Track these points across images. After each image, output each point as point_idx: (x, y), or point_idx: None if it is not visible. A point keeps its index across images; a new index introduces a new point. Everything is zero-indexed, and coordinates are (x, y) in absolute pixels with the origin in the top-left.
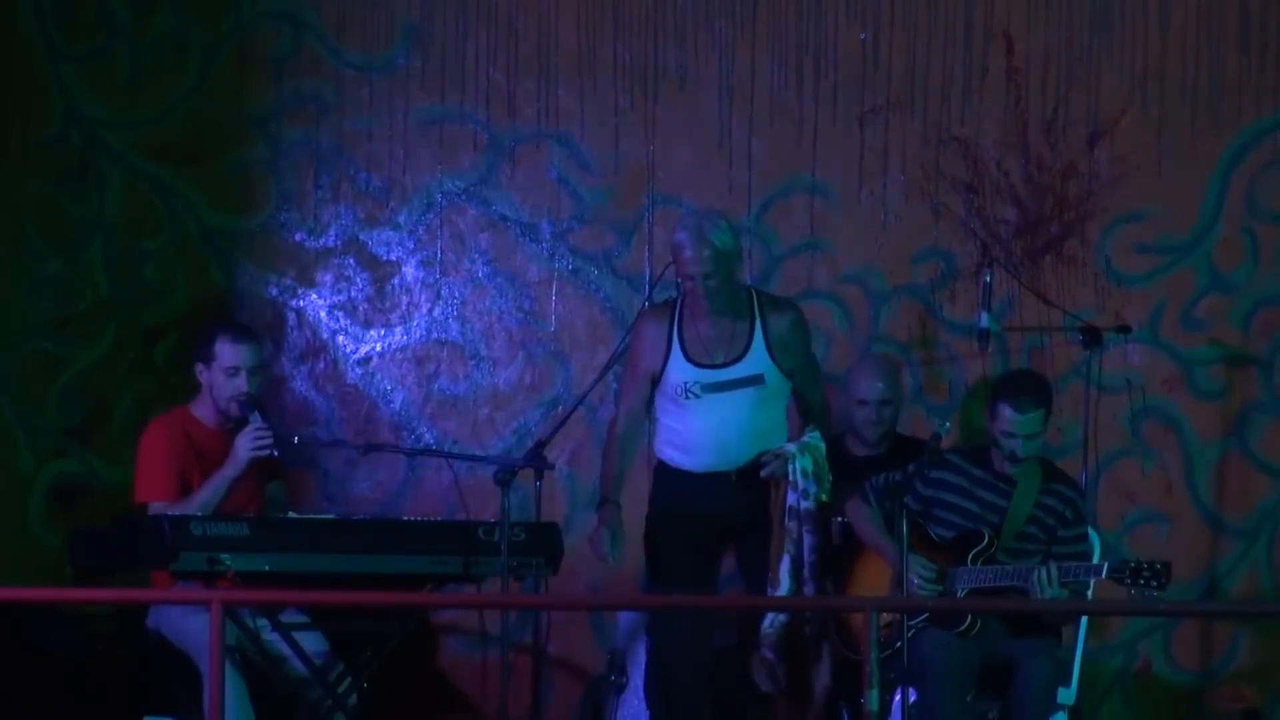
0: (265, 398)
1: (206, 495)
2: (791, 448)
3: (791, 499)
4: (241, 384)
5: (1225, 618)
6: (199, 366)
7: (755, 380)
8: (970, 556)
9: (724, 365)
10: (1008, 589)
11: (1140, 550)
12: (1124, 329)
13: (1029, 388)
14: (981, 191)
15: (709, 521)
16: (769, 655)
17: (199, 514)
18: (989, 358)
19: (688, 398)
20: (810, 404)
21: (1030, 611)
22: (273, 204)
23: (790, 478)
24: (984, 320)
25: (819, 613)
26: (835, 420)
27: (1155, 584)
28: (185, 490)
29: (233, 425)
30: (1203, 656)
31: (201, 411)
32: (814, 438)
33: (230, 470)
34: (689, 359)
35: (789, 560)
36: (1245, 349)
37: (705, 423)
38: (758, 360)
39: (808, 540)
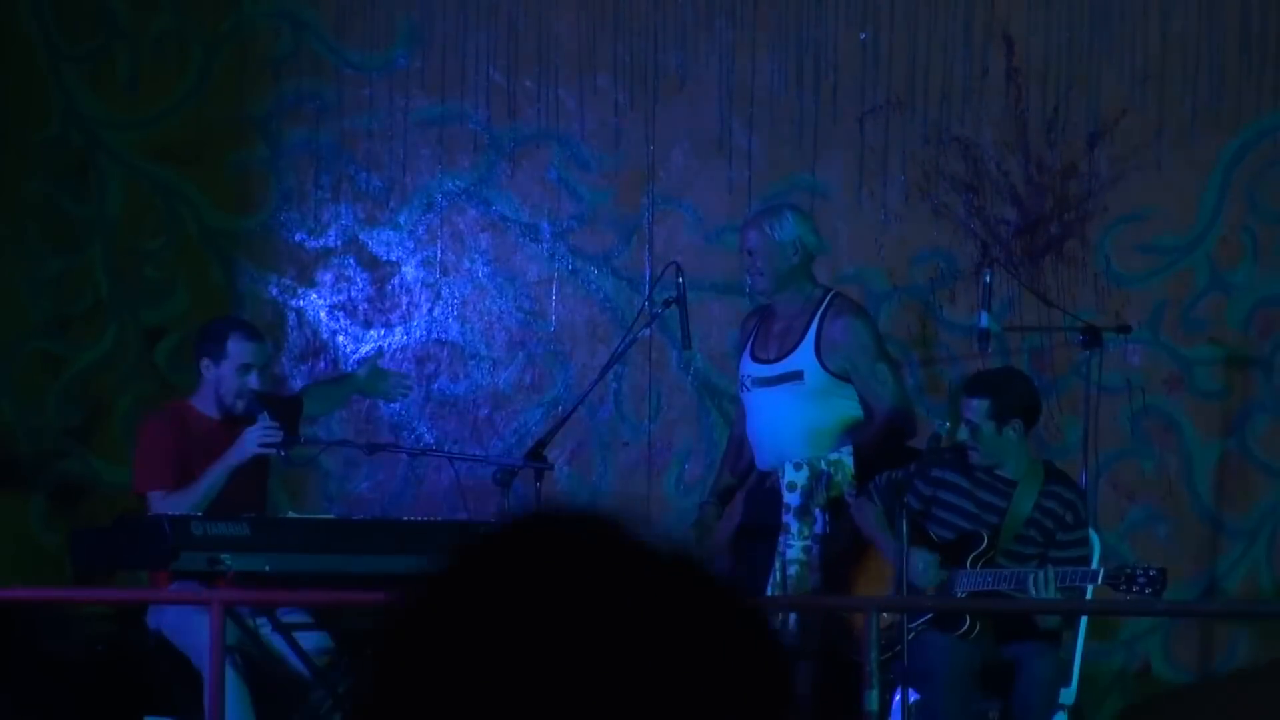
0: (272, 398)
1: (209, 484)
2: (788, 464)
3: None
4: (252, 381)
5: (1225, 618)
6: (205, 362)
7: (793, 376)
8: (969, 560)
9: (774, 361)
10: (1005, 594)
11: (1140, 550)
12: (1124, 329)
13: (983, 376)
14: (981, 191)
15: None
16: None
17: (202, 503)
18: (989, 358)
19: (742, 392)
20: (869, 411)
21: (1031, 611)
22: (273, 204)
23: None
24: (984, 320)
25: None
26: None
27: (1150, 590)
28: (185, 480)
29: (236, 419)
30: (1203, 656)
31: (202, 405)
32: (840, 454)
33: (234, 458)
34: (753, 354)
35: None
36: (1245, 349)
37: (754, 419)
38: (801, 357)
39: (787, 553)
